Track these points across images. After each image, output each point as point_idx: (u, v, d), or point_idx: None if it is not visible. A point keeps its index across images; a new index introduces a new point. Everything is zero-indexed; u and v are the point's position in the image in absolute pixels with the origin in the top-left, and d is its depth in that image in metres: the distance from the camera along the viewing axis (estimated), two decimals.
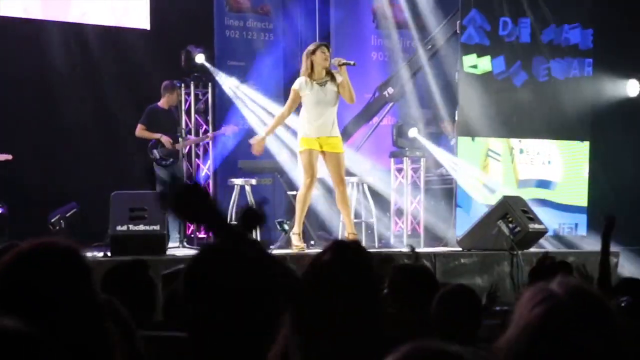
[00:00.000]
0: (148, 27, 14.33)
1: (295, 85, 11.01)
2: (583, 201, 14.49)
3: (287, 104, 11.27)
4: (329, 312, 2.95)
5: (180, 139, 12.91)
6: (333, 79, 10.90)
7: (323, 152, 10.96)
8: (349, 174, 12.25)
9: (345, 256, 3.04)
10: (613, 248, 13.15)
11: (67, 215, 12.91)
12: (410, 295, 4.83)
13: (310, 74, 10.91)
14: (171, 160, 12.94)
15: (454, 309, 4.45)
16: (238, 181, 13.40)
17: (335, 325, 2.93)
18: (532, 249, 12.01)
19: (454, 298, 4.56)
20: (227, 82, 14.33)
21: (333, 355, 2.92)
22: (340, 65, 10.96)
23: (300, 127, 11.19)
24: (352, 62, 11.53)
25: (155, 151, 12.84)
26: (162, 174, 12.74)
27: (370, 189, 13.13)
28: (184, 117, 14.11)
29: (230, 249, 2.79)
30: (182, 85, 14.10)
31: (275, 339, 2.82)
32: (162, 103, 12.98)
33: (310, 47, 11.19)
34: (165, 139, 12.78)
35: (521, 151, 14.24)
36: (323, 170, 11.41)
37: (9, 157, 12.46)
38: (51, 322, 2.26)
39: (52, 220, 12.84)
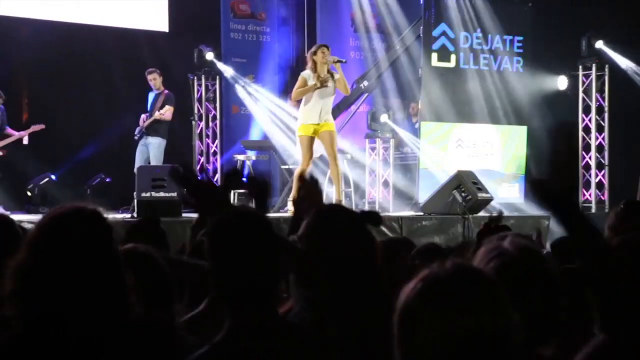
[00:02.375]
0: (167, 30, 14.28)
1: (304, 74, 10.87)
2: (520, 171, 14.48)
3: (295, 88, 11.05)
4: (326, 265, 2.93)
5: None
6: (332, 75, 10.82)
7: (317, 134, 10.91)
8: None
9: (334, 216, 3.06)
10: (546, 213, 13.32)
11: (41, 183, 12.94)
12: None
13: (314, 69, 10.81)
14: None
15: (429, 261, 4.39)
16: (240, 157, 13.48)
17: (333, 275, 2.91)
18: (481, 214, 11.94)
19: (428, 252, 4.44)
20: (231, 75, 14.32)
21: (333, 301, 2.90)
22: (335, 62, 10.86)
23: (301, 114, 11.02)
24: (344, 60, 11.44)
25: None
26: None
27: (348, 164, 13.15)
28: (196, 104, 14.05)
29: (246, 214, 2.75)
30: (195, 77, 14.05)
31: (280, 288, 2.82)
32: None
33: (313, 49, 11.09)
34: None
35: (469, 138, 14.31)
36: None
37: (42, 126, 12.38)
38: (80, 269, 2.29)
39: (29, 187, 12.89)
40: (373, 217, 3.09)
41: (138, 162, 12.36)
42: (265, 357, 2.49)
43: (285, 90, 14.92)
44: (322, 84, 10.71)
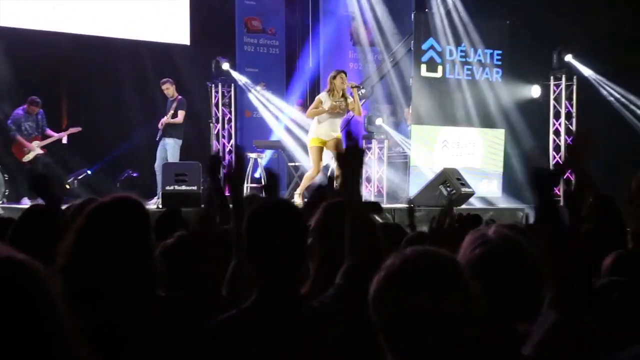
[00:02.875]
0: (188, 43, 14.26)
1: (321, 96, 10.85)
2: (499, 169, 14.50)
3: (311, 107, 11.02)
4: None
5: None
6: (345, 98, 10.81)
7: (325, 145, 10.94)
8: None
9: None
10: (521, 205, 13.47)
11: (79, 177, 13.04)
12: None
13: (331, 92, 10.84)
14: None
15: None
16: (253, 155, 13.60)
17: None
18: (463, 206, 12.01)
19: (417, 241, 4.19)
20: (244, 83, 14.36)
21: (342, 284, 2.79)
22: (353, 88, 10.91)
23: (313, 128, 10.97)
24: (361, 87, 11.66)
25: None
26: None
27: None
28: (213, 108, 14.08)
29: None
30: (212, 85, 14.06)
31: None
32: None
33: (333, 73, 11.00)
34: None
35: (453, 138, 14.49)
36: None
37: (79, 129, 12.38)
38: (122, 251, 2.30)
39: (68, 181, 12.92)
40: (376, 207, 3.09)
41: (158, 160, 12.36)
42: (281, 327, 2.45)
43: (291, 96, 15.09)
44: (334, 110, 10.83)
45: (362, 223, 2.71)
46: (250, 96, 14.53)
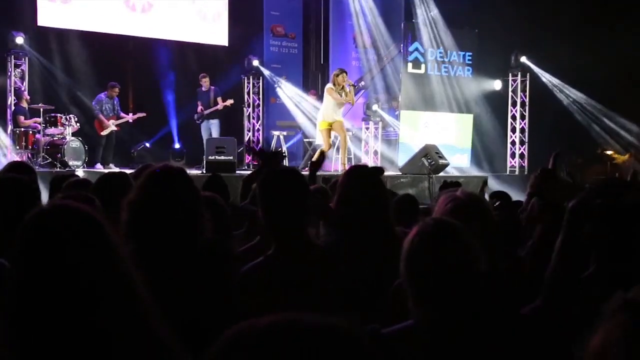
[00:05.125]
0: (227, 44, 14.23)
1: (331, 86, 10.83)
2: (468, 145, 14.52)
3: (332, 95, 10.89)
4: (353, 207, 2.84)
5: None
6: (345, 92, 10.81)
7: (332, 126, 11.00)
8: None
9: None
10: (482, 174, 13.48)
11: (139, 148, 13.07)
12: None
13: (335, 85, 10.86)
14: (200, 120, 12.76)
15: (406, 203, 4.37)
16: (276, 132, 13.64)
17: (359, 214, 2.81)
18: (441, 174, 11.96)
19: (405, 199, 4.50)
20: (270, 76, 14.34)
21: (351, 232, 2.80)
22: (350, 85, 10.93)
23: (321, 113, 11.00)
24: (356, 85, 11.74)
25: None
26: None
27: (351, 139, 13.24)
28: (245, 96, 14.04)
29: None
30: (245, 77, 14.03)
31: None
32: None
33: (337, 72, 11.04)
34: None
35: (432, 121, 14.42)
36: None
37: (144, 114, 12.36)
38: (173, 206, 2.25)
39: (132, 151, 13.02)
40: (379, 170, 3.12)
41: (205, 136, 12.44)
42: (299, 267, 2.43)
43: (307, 87, 15.05)
44: (340, 102, 10.87)
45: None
46: (275, 86, 14.47)
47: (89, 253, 1.39)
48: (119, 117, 12.13)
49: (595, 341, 0.92)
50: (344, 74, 10.96)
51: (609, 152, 14.45)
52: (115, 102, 12.11)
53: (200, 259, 2.25)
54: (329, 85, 10.97)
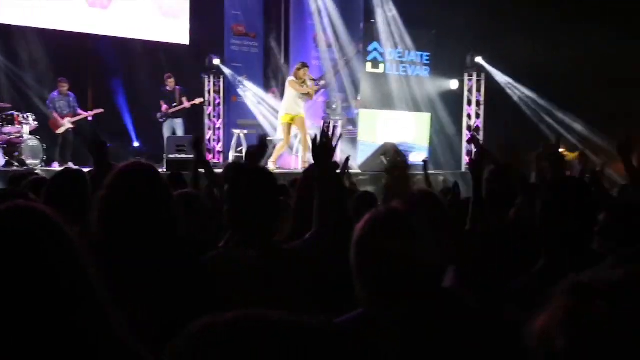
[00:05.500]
0: (188, 43, 14.07)
1: (292, 79, 10.93)
2: (425, 143, 14.58)
3: (294, 87, 10.96)
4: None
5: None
6: (306, 86, 10.87)
7: (294, 121, 11.08)
8: None
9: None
10: (439, 171, 13.60)
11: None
12: None
13: (297, 78, 10.92)
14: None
15: (365, 201, 4.29)
16: (237, 131, 13.55)
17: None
18: None
19: (365, 196, 4.49)
20: (231, 75, 14.22)
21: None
22: (311, 80, 11.05)
23: (283, 107, 11.05)
24: (318, 80, 11.88)
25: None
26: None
27: (311, 137, 13.19)
28: (206, 94, 13.90)
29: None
30: (206, 76, 13.91)
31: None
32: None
33: (298, 65, 11.16)
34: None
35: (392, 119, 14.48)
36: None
37: (101, 110, 12.15)
38: (142, 206, 2.23)
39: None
40: (335, 165, 3.11)
41: (168, 135, 12.30)
42: (261, 262, 2.41)
43: (268, 86, 15.00)
44: (303, 94, 10.88)
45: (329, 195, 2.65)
46: (235, 85, 14.38)
47: (48, 253, 1.35)
48: (75, 115, 11.91)
49: (539, 322, 0.93)
50: (306, 68, 11.10)
51: (560, 150, 14.69)
52: (70, 99, 11.90)
53: (172, 255, 2.24)
54: (291, 78, 11.04)
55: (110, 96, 13.33)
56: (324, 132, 2.80)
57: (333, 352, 1.58)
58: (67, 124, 11.72)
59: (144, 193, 2.24)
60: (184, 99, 12.58)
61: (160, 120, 12.64)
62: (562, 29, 13.75)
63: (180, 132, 12.46)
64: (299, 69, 11.05)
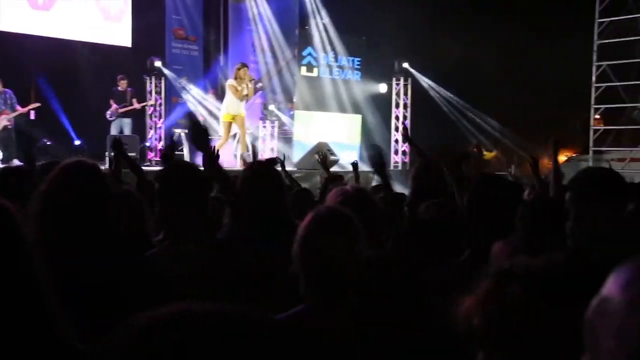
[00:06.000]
0: (130, 45, 13.78)
1: (232, 82, 10.83)
2: (357, 143, 14.75)
3: (233, 92, 10.87)
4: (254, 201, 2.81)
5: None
6: (247, 86, 10.82)
7: (234, 120, 11.04)
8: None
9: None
10: (370, 169, 13.74)
11: (39, 145, 12.06)
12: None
13: (237, 79, 10.82)
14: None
15: (303, 197, 4.34)
16: (178, 130, 13.36)
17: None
18: (332, 169, 12.16)
19: (302, 193, 4.55)
20: (172, 77, 14.08)
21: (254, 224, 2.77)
22: (250, 80, 10.96)
23: (225, 106, 10.96)
24: (258, 80, 11.84)
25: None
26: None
27: (249, 136, 13.18)
28: (148, 95, 13.50)
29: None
30: (148, 78, 13.55)
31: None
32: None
33: (238, 65, 11.06)
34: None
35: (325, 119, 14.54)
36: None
37: (38, 104, 11.74)
38: (84, 202, 2.17)
39: (33, 148, 12.28)
40: (274, 160, 3.10)
41: (115, 134, 12.06)
42: (200, 256, 2.36)
43: (207, 88, 14.83)
44: (242, 96, 10.83)
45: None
46: (176, 86, 14.15)
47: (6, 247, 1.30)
48: (14, 111, 11.48)
49: (464, 303, 0.96)
50: (245, 68, 11.07)
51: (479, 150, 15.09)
52: (7, 96, 11.45)
53: (112, 252, 2.18)
54: (231, 82, 10.97)
55: (52, 96, 12.90)
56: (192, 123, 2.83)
57: (276, 345, 1.58)
58: (4, 120, 11.27)
59: (85, 190, 2.18)
60: (135, 101, 12.42)
61: (110, 119, 12.37)
62: (480, 35, 14.13)
63: (127, 131, 12.23)
64: (238, 69, 11.00)
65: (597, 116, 14.08)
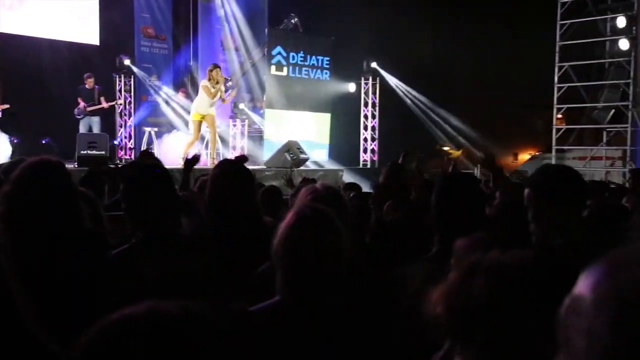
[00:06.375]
0: (98, 43, 13.62)
1: (205, 83, 10.80)
2: (326, 142, 14.82)
3: (207, 94, 10.82)
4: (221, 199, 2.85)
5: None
6: (220, 86, 10.81)
7: (205, 119, 10.97)
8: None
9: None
10: (338, 167, 13.79)
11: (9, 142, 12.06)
12: None
13: (210, 80, 10.75)
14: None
15: (271, 195, 4.31)
16: (147, 129, 13.27)
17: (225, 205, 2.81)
18: (302, 167, 12.07)
19: (270, 190, 4.47)
20: (141, 75, 13.95)
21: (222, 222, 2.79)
22: (224, 79, 11.02)
23: (195, 105, 10.92)
24: (229, 79, 11.93)
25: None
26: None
27: (219, 134, 13.14)
28: (117, 93, 13.45)
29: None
30: (117, 76, 13.45)
31: None
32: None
33: (210, 67, 11.02)
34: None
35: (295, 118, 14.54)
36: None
37: (7, 106, 11.55)
38: (49, 201, 2.13)
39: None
40: (244, 158, 3.11)
41: (84, 132, 11.88)
42: (166, 255, 2.34)
43: (177, 86, 14.71)
44: (214, 96, 10.81)
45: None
46: (146, 85, 14.05)
47: None
48: None
49: (433, 295, 0.99)
50: (218, 69, 11.06)
51: (445, 148, 15.26)
52: None
53: (76, 251, 2.14)
54: (205, 83, 10.93)
55: (21, 94, 12.65)
56: None
57: (249, 340, 1.56)
58: None
59: (51, 188, 2.14)
60: (102, 99, 12.26)
61: (78, 117, 12.20)
62: (447, 35, 14.28)
63: (96, 130, 12.07)
64: (211, 70, 10.95)
65: (560, 115, 14.31)
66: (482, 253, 1.02)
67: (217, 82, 10.84)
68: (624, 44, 13.33)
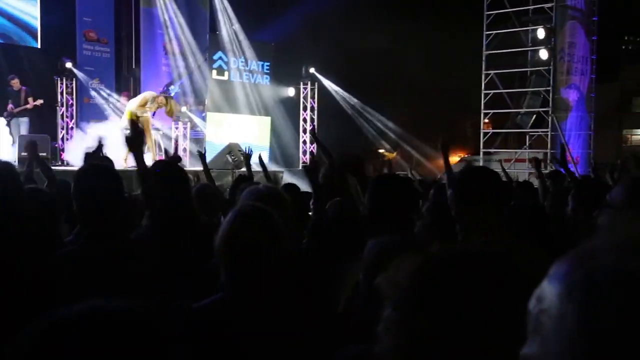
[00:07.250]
0: (38, 46, 13.21)
1: (149, 95, 10.96)
2: (267, 144, 14.79)
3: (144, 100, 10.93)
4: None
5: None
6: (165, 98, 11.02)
7: (138, 120, 10.77)
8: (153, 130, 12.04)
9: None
10: (279, 169, 13.80)
11: None
12: None
13: (155, 102, 10.98)
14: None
15: (205, 194, 4.04)
16: (90, 130, 12.92)
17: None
18: (243, 169, 12.10)
19: (205, 189, 4.12)
20: (83, 78, 13.70)
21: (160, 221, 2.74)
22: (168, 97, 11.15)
23: (129, 106, 10.93)
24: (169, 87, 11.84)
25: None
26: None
27: (161, 137, 12.93)
28: (59, 96, 13.07)
29: None
30: (59, 79, 13.07)
31: None
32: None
33: (162, 99, 11.35)
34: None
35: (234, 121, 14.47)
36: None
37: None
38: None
39: None
40: (177, 158, 3.05)
41: (15, 133, 11.50)
42: (110, 255, 2.28)
43: (119, 89, 14.40)
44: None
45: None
46: (88, 87, 13.67)
47: None
48: None
49: (380, 277, 0.98)
50: (172, 102, 11.47)
51: (380, 150, 15.51)
52: None
53: (22, 253, 2.09)
54: (151, 94, 10.82)
55: None
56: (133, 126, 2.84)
57: (191, 336, 1.56)
58: None
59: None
60: (30, 99, 11.83)
61: (7, 119, 11.82)
62: (384, 42, 14.50)
63: (24, 131, 11.64)
64: (167, 98, 11.29)
65: (486, 120, 14.75)
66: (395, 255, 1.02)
67: (159, 107, 10.84)
68: (543, 54, 13.88)
